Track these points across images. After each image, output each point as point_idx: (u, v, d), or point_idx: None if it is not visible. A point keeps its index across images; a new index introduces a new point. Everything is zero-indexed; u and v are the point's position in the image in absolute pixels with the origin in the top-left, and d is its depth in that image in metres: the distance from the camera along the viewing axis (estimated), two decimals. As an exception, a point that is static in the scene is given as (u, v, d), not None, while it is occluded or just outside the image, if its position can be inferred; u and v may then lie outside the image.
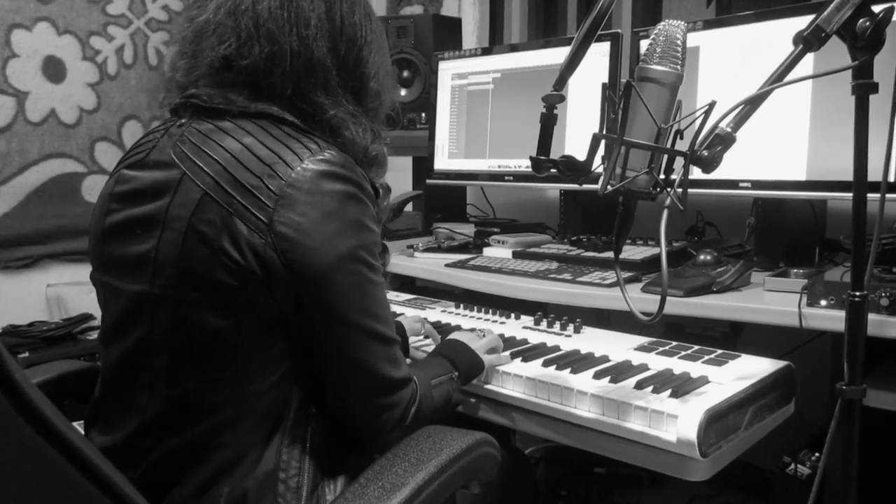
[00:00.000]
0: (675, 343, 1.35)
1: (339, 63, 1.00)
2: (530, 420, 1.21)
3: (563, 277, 1.58)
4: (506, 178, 2.06)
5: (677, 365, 1.23)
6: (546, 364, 1.25)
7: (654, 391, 1.10)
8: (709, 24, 1.64)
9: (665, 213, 0.92)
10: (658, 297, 0.95)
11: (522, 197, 2.46)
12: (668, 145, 0.95)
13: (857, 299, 0.95)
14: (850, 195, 0.97)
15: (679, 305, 1.36)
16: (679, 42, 0.95)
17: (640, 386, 1.12)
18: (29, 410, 0.62)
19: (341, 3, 1.01)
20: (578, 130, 1.85)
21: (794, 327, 1.24)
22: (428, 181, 2.26)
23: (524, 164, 1.99)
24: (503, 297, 1.63)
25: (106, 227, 1.00)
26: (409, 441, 1.00)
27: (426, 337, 1.46)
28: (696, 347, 1.32)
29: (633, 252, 1.65)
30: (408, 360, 1.06)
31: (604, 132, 0.97)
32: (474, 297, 1.71)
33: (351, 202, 0.93)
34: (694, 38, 1.61)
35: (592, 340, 1.40)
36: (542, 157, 1.04)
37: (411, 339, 1.43)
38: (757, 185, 1.54)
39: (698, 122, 0.94)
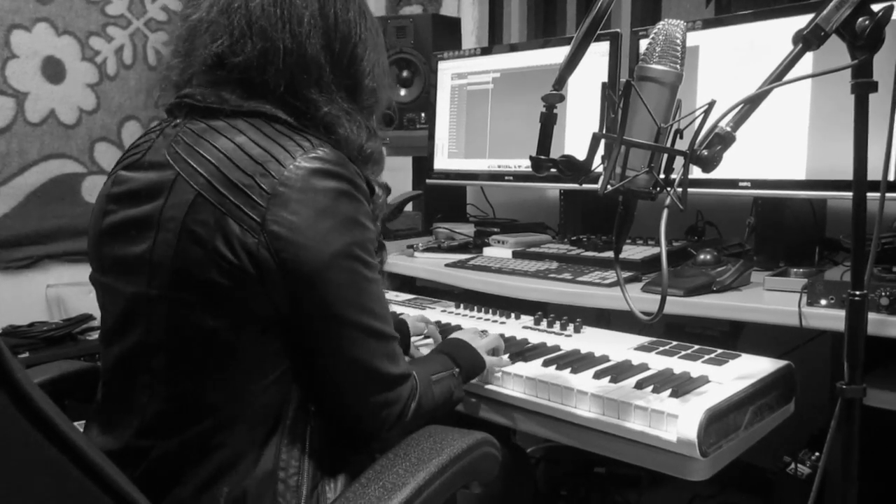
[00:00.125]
0: (675, 343, 1.35)
1: (332, 60, 1.00)
2: (530, 420, 1.21)
3: (563, 277, 1.58)
4: (506, 177, 2.06)
5: (677, 364, 1.23)
6: (546, 364, 1.25)
7: (654, 391, 1.10)
8: (708, 24, 1.64)
9: (665, 213, 0.92)
10: (658, 297, 0.95)
11: (522, 197, 2.46)
12: (668, 144, 0.95)
13: (857, 299, 0.95)
14: (849, 194, 0.97)
15: (679, 305, 1.36)
16: (679, 41, 0.95)
17: (640, 386, 1.12)
18: (30, 410, 0.62)
19: (335, 1, 1.00)
20: (578, 130, 1.85)
21: (794, 327, 1.25)
22: (428, 181, 2.27)
23: (524, 164, 1.99)
24: (503, 297, 1.63)
25: (104, 228, 1.00)
26: (410, 441, 1.00)
27: (426, 337, 1.46)
28: (696, 347, 1.32)
29: (633, 252, 1.65)
30: (407, 358, 1.06)
31: (603, 131, 0.97)
32: (474, 297, 1.71)
33: (344, 199, 0.93)
34: (693, 38, 1.60)
35: (592, 340, 1.40)
36: (542, 157, 1.04)
37: (413, 339, 1.43)
38: (757, 184, 1.54)
39: (698, 121, 0.94)
